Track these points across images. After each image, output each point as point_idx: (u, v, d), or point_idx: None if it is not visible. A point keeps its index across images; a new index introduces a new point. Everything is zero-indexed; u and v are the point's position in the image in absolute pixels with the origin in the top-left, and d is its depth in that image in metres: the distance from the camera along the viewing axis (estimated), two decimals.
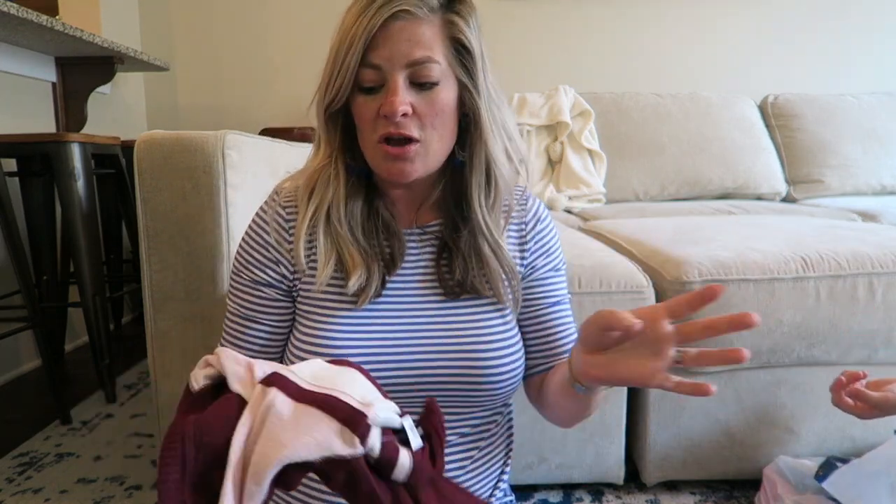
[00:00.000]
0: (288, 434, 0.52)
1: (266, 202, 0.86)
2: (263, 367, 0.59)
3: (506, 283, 0.83)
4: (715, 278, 1.26)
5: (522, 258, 0.87)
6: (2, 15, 1.79)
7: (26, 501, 1.38)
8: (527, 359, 0.87)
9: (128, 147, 2.20)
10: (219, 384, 0.62)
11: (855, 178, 2.75)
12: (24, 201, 2.13)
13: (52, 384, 1.78)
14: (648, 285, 1.28)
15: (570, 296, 0.92)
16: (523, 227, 0.88)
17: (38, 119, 2.37)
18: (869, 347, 1.29)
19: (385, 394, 0.58)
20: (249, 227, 0.86)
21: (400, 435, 0.55)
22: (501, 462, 0.90)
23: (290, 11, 3.14)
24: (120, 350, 2.38)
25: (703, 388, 0.61)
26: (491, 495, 0.87)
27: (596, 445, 1.33)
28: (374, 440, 0.52)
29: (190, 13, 3.17)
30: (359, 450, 0.51)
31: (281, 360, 0.87)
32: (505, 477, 0.90)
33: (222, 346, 0.87)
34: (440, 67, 0.75)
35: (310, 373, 0.59)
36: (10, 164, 2.12)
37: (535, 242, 0.88)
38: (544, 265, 0.88)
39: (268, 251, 0.83)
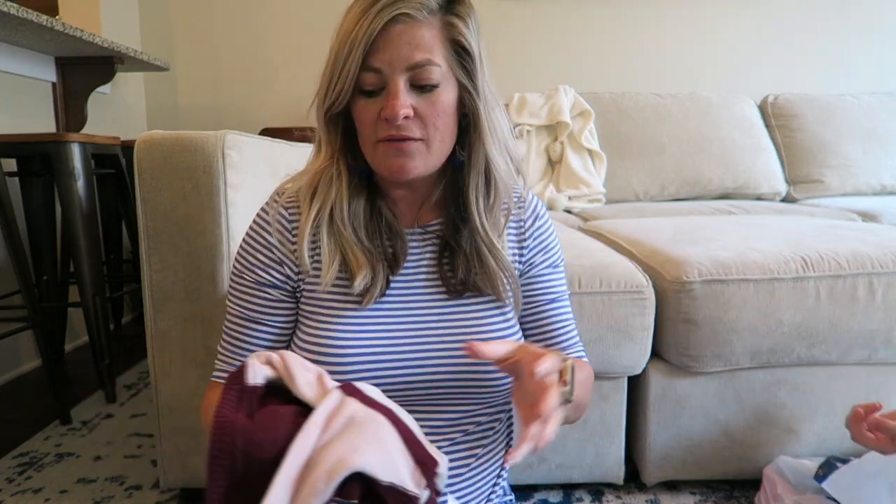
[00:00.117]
0: (369, 447, 0.53)
1: (267, 203, 0.86)
2: (330, 378, 0.62)
3: (505, 283, 0.84)
4: (715, 278, 1.26)
5: (521, 255, 0.88)
6: (2, 15, 1.79)
7: (26, 501, 1.38)
8: None
9: (128, 147, 2.20)
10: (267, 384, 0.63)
11: (855, 178, 2.75)
12: (24, 201, 2.13)
13: (52, 384, 1.78)
14: (648, 285, 1.28)
15: (569, 294, 0.93)
16: (522, 223, 0.88)
17: (38, 119, 2.37)
18: (869, 347, 1.29)
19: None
20: (251, 228, 0.86)
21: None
22: (501, 460, 0.90)
23: (290, 11, 3.14)
24: (120, 350, 2.38)
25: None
26: (491, 493, 0.88)
27: (596, 445, 1.33)
28: (428, 491, 0.55)
29: (190, 13, 3.17)
30: (423, 495, 0.54)
31: None
32: (504, 474, 0.91)
33: (222, 348, 0.87)
34: (440, 70, 0.75)
35: (375, 392, 0.61)
36: (10, 164, 2.12)
37: (534, 239, 0.89)
38: (542, 262, 0.89)
39: (271, 252, 0.83)
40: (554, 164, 2.75)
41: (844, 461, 1.16)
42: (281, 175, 0.91)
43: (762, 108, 2.95)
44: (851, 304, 1.27)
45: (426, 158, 0.78)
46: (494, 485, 0.89)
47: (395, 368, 0.78)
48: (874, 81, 3.16)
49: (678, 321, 1.27)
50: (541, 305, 0.88)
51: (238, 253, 0.86)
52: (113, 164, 2.24)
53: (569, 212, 2.58)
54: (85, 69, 2.47)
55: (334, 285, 0.81)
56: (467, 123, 0.80)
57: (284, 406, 0.58)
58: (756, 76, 3.17)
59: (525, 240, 0.88)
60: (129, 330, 2.72)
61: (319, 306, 0.82)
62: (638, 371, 1.31)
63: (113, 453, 1.59)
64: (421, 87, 0.75)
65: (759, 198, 2.74)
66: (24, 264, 1.79)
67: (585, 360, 0.91)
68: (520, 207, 0.89)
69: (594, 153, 2.71)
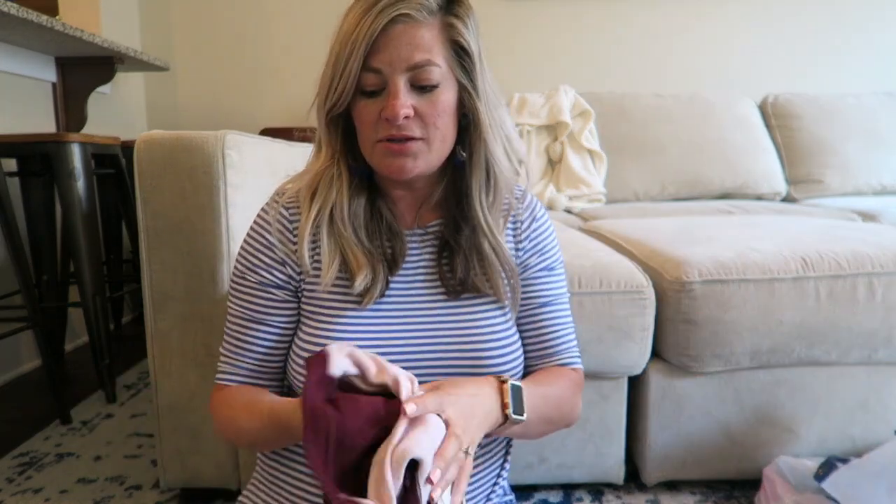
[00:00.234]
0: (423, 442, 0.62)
1: (268, 204, 0.86)
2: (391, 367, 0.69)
3: (505, 281, 0.84)
4: (715, 278, 1.26)
5: (516, 256, 0.88)
6: (2, 15, 1.79)
7: (26, 501, 1.38)
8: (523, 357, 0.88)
9: (128, 147, 2.20)
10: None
11: (855, 178, 2.75)
12: (24, 201, 2.13)
13: (52, 384, 1.78)
14: (648, 285, 1.28)
15: (568, 296, 0.92)
16: (519, 224, 0.88)
17: (38, 119, 2.37)
18: (869, 347, 1.29)
19: None
20: (252, 229, 0.86)
21: None
22: (500, 461, 0.90)
23: (290, 12, 3.14)
24: (120, 350, 2.38)
25: None
26: (490, 492, 0.88)
27: (596, 445, 1.33)
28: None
29: (190, 13, 3.17)
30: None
31: (284, 363, 0.87)
32: (504, 474, 0.91)
33: (225, 350, 0.87)
34: (440, 70, 0.76)
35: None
36: (10, 164, 2.12)
37: (530, 241, 0.89)
38: (537, 264, 0.89)
39: (273, 252, 0.83)
40: (554, 164, 2.75)
41: (844, 461, 1.16)
42: (281, 175, 0.91)
43: (762, 108, 2.95)
44: (851, 304, 1.27)
45: (426, 158, 0.78)
46: (494, 484, 0.89)
47: None
48: (874, 81, 3.16)
49: (678, 321, 1.27)
50: (534, 308, 0.88)
51: (239, 254, 0.86)
52: (113, 164, 2.24)
53: (569, 212, 2.58)
54: (85, 69, 2.47)
55: (334, 285, 0.81)
56: (468, 123, 0.81)
57: (362, 396, 0.65)
58: (756, 76, 3.17)
59: (521, 241, 0.88)
60: (129, 330, 2.72)
61: (319, 306, 0.82)
62: (638, 371, 1.31)
63: (113, 453, 1.59)
64: (421, 87, 0.76)
65: (759, 198, 2.74)
66: (24, 264, 1.79)
67: (577, 365, 0.90)
68: (519, 205, 0.89)
69: (594, 153, 2.71)
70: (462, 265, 0.82)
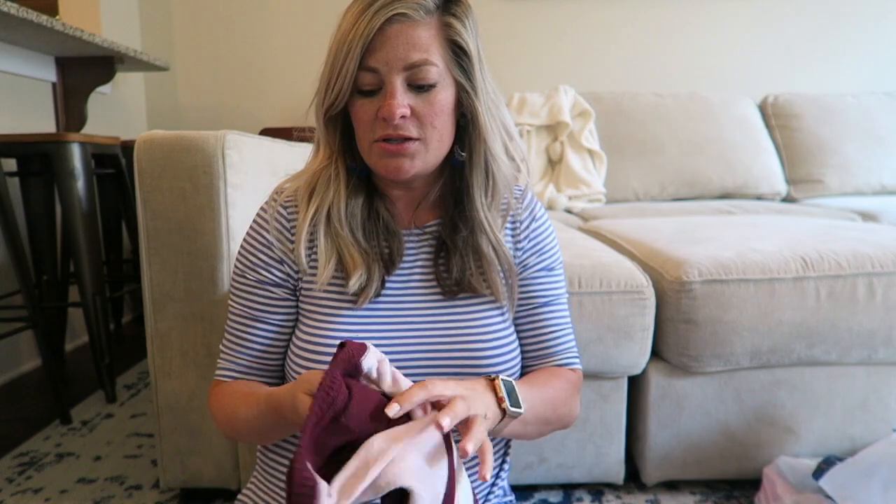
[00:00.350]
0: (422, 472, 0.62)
1: (266, 203, 0.86)
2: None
3: (503, 281, 0.84)
4: (715, 278, 1.26)
5: (515, 255, 0.88)
6: (2, 15, 1.79)
7: (26, 501, 1.38)
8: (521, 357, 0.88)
9: (128, 147, 2.20)
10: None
11: (855, 178, 2.75)
12: (24, 201, 2.13)
13: (52, 384, 1.78)
14: (648, 285, 1.28)
15: (567, 296, 0.92)
16: (518, 224, 0.88)
17: (38, 119, 2.37)
18: (869, 347, 1.29)
19: None
20: (251, 228, 0.86)
21: None
22: (500, 461, 0.90)
23: (290, 11, 3.14)
24: (120, 350, 2.38)
25: None
26: (489, 493, 0.88)
27: (596, 445, 1.33)
28: None
29: (190, 13, 3.17)
30: None
31: (283, 360, 0.87)
32: (503, 475, 0.91)
33: (225, 347, 0.87)
34: (437, 69, 0.76)
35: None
36: (10, 164, 2.12)
37: (529, 241, 0.88)
38: (535, 264, 0.89)
39: (271, 251, 0.84)
40: (554, 164, 2.75)
41: (843, 461, 1.16)
42: (281, 175, 0.92)
43: (762, 108, 2.95)
44: (851, 304, 1.27)
45: (424, 158, 0.78)
46: (493, 485, 0.89)
47: None
48: (874, 81, 3.16)
49: (678, 321, 1.27)
50: (532, 308, 0.88)
51: (239, 252, 0.86)
52: (113, 164, 2.24)
53: (569, 212, 2.58)
54: (85, 69, 2.47)
55: (330, 285, 0.81)
56: (466, 123, 0.81)
57: (374, 391, 0.67)
58: (756, 76, 3.17)
59: (520, 241, 0.88)
60: (129, 330, 2.72)
61: (316, 305, 0.82)
62: (638, 371, 1.31)
63: (113, 453, 1.59)
64: (418, 86, 0.76)
65: (759, 198, 2.74)
66: (25, 264, 1.79)
67: (576, 366, 0.90)
68: (519, 205, 0.89)
69: (594, 153, 2.71)
70: (458, 265, 0.82)
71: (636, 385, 1.35)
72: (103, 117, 2.79)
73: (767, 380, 1.32)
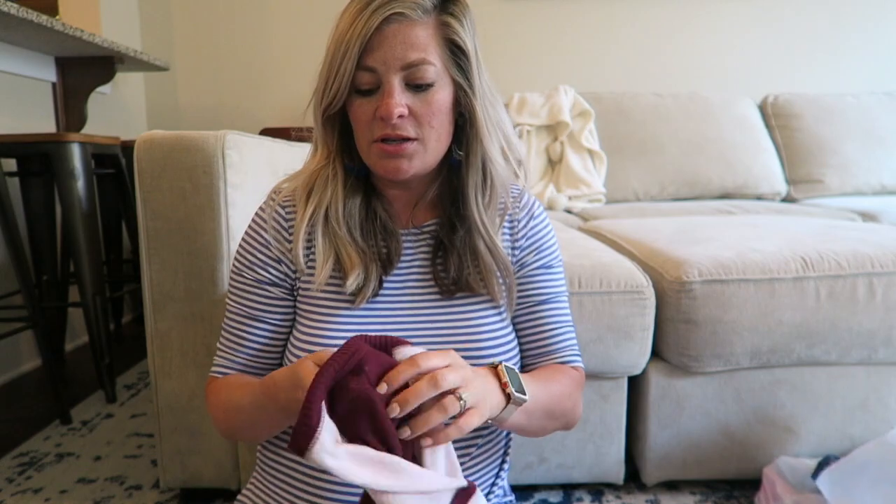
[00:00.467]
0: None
1: (264, 203, 0.86)
2: None
3: (500, 280, 0.84)
4: (715, 278, 1.26)
5: (513, 254, 0.88)
6: (2, 15, 1.79)
7: (26, 501, 1.38)
8: (520, 356, 0.87)
9: (128, 147, 2.20)
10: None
11: (855, 178, 2.75)
12: (24, 201, 2.13)
13: (52, 384, 1.78)
14: (648, 285, 1.28)
15: (567, 294, 0.92)
16: (516, 224, 0.88)
17: (38, 119, 2.37)
18: (869, 347, 1.29)
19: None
20: (249, 227, 0.86)
21: None
22: (499, 460, 0.90)
23: (290, 12, 3.14)
24: (120, 350, 2.38)
25: None
26: (489, 493, 0.88)
27: (596, 445, 1.33)
28: None
29: (190, 13, 3.17)
30: None
31: (280, 359, 0.87)
32: (503, 475, 0.91)
33: (222, 345, 0.88)
34: (435, 69, 0.76)
35: None
36: (10, 164, 2.12)
37: (527, 239, 0.88)
38: (534, 262, 0.88)
39: (269, 250, 0.84)
40: (554, 164, 2.75)
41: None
42: (281, 175, 0.92)
43: (762, 108, 2.95)
44: (851, 304, 1.27)
45: (422, 158, 0.79)
46: (493, 484, 0.89)
47: None
48: (874, 81, 3.16)
49: (678, 321, 1.27)
50: (532, 306, 0.88)
51: (237, 251, 0.87)
52: (113, 164, 2.24)
53: (569, 212, 2.58)
54: (85, 69, 2.47)
55: (328, 285, 0.81)
56: (464, 122, 0.81)
57: (390, 359, 0.67)
58: (756, 76, 3.17)
59: (518, 239, 0.88)
60: (129, 330, 2.72)
61: (314, 305, 0.82)
62: (638, 371, 1.31)
63: (113, 453, 1.59)
64: (416, 86, 0.76)
65: (759, 198, 2.74)
66: (25, 264, 1.79)
67: (578, 364, 0.90)
68: (516, 204, 0.89)
69: (594, 153, 2.71)
70: (456, 264, 0.82)
71: (636, 385, 1.35)
72: (103, 117, 2.79)
73: (767, 380, 1.32)
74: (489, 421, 0.72)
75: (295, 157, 1.51)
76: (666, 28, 3.17)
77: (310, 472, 0.81)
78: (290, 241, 0.83)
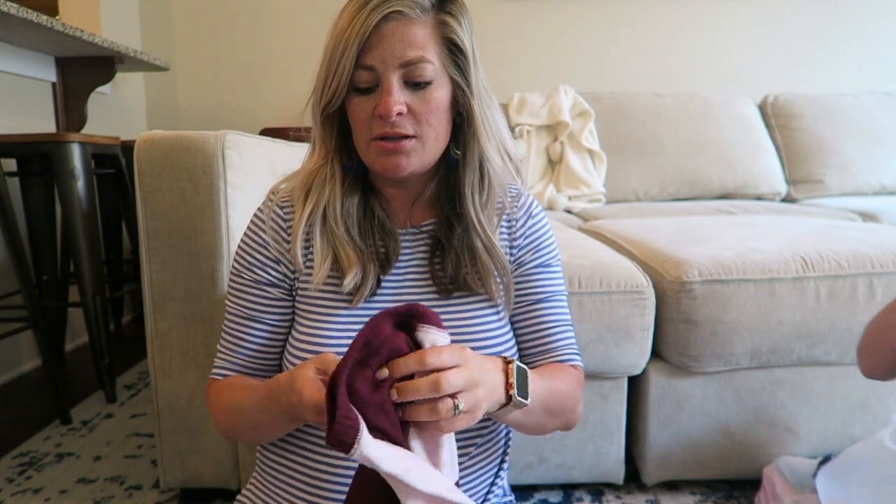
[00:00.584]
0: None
1: (263, 203, 0.87)
2: None
3: (498, 279, 0.84)
4: (715, 278, 1.26)
5: (511, 253, 0.88)
6: (2, 15, 1.79)
7: (26, 501, 1.38)
8: (519, 356, 0.87)
9: (128, 147, 2.20)
10: None
11: (855, 178, 2.75)
12: (24, 201, 2.13)
13: (52, 384, 1.78)
14: (648, 285, 1.28)
15: (566, 294, 0.92)
16: (514, 223, 0.88)
17: (38, 119, 2.37)
18: None
19: None
20: (248, 228, 0.87)
21: None
22: (499, 460, 0.90)
23: (290, 12, 3.14)
24: (120, 350, 2.38)
25: None
26: (488, 492, 0.88)
27: (596, 445, 1.33)
28: None
29: (190, 13, 3.17)
30: None
31: (280, 359, 0.87)
32: (502, 474, 0.90)
33: (221, 346, 0.87)
34: (433, 67, 0.76)
35: None
36: (10, 164, 2.12)
37: (525, 238, 0.88)
38: (532, 261, 0.88)
39: (267, 250, 0.84)
40: (554, 164, 2.75)
41: None
42: (280, 175, 0.92)
43: (762, 108, 2.95)
44: (851, 304, 1.27)
45: (421, 156, 0.79)
46: (492, 484, 0.89)
47: None
48: (874, 81, 3.16)
49: (678, 321, 1.27)
50: (530, 304, 0.88)
51: (236, 252, 0.87)
52: (113, 164, 2.24)
53: (569, 212, 2.58)
54: (85, 69, 2.47)
55: (326, 284, 0.81)
56: (461, 121, 0.81)
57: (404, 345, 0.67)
58: (756, 76, 3.17)
59: (516, 239, 0.88)
60: (129, 330, 2.72)
61: (312, 305, 0.82)
62: (638, 371, 1.31)
63: (113, 453, 1.59)
64: (415, 84, 0.76)
65: (758, 198, 2.74)
66: (25, 264, 1.79)
67: (577, 363, 0.90)
68: (514, 204, 0.89)
69: (594, 153, 2.71)
70: (453, 264, 0.82)
71: (636, 385, 1.35)
72: (103, 117, 2.79)
73: (767, 380, 1.32)
74: (486, 413, 0.71)
75: (294, 157, 1.50)
76: (666, 28, 3.17)
77: (310, 472, 0.81)
78: (288, 242, 0.83)
